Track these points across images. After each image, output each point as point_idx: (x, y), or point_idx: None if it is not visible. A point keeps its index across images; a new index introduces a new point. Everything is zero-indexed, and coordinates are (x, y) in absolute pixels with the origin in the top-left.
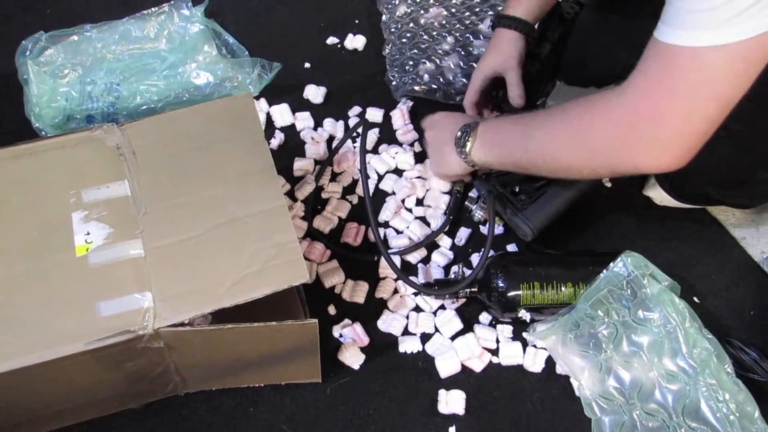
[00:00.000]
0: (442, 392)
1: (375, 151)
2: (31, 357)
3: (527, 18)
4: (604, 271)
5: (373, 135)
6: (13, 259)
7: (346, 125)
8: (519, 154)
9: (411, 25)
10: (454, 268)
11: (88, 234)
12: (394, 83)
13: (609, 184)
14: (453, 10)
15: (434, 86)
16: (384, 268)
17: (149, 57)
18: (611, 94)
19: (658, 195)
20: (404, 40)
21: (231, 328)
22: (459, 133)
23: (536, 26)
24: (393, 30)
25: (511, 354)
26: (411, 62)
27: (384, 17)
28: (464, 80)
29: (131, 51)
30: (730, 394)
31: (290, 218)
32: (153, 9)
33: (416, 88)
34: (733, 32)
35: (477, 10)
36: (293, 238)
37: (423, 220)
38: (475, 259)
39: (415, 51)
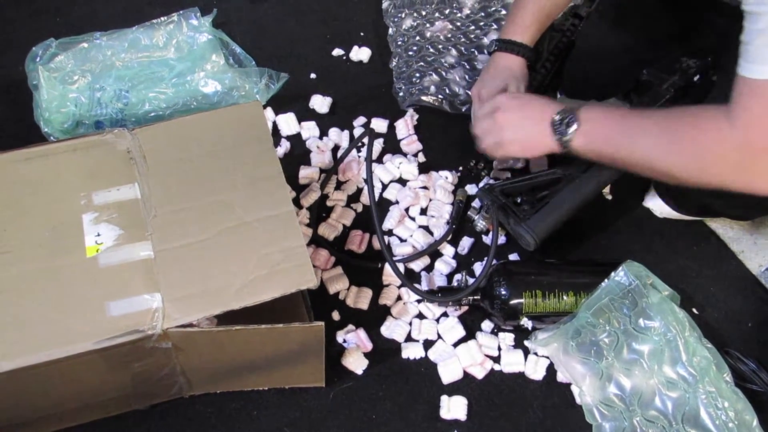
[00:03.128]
0: (444, 398)
1: (379, 160)
2: (41, 355)
3: (528, 43)
4: (606, 280)
5: (377, 145)
6: (24, 259)
7: (351, 135)
8: (623, 156)
9: (417, 38)
10: (457, 276)
11: (98, 235)
12: (401, 94)
13: (610, 197)
14: (458, 24)
15: (440, 96)
16: (388, 275)
17: (158, 65)
18: (721, 120)
19: (658, 207)
20: (411, 53)
21: (239, 329)
22: (557, 117)
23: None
24: (400, 43)
25: (512, 361)
26: (417, 74)
27: (390, 30)
28: (469, 92)
29: (140, 59)
30: (729, 402)
31: (298, 223)
32: (162, 18)
33: (423, 98)
34: None
35: (482, 24)
36: (301, 243)
37: (426, 229)
38: (477, 268)
39: (422, 63)
